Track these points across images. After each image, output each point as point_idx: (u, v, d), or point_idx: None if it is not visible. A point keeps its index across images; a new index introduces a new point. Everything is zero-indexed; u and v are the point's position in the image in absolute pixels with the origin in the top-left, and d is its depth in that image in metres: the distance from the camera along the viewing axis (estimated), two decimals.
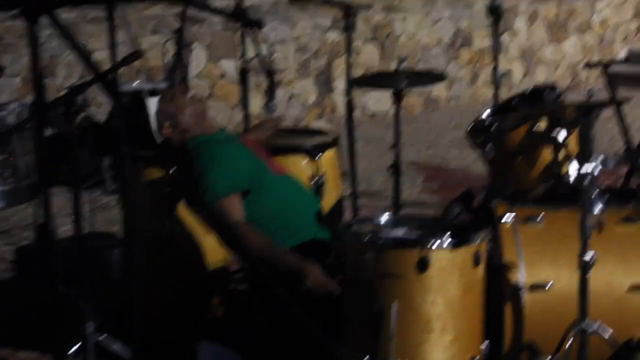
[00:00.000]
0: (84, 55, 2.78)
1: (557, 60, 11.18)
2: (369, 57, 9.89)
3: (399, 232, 3.46)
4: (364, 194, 6.80)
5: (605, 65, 5.55)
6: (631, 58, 10.83)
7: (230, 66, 8.77)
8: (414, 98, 10.20)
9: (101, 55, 8.02)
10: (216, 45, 8.89)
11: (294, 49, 9.47)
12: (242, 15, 3.64)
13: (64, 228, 6.06)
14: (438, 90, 10.34)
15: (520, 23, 10.85)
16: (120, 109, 2.69)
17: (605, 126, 8.52)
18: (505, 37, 10.68)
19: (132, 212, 2.90)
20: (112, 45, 2.74)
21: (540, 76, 11.06)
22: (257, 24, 3.38)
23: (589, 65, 5.61)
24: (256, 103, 9.39)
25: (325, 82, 9.67)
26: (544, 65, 11.10)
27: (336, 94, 9.61)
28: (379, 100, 9.82)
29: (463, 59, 10.50)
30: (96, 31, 8.15)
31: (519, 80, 10.87)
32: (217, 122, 4.23)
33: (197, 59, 8.85)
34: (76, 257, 3.26)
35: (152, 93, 3.88)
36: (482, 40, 10.49)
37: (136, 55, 3.04)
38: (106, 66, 8.07)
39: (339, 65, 9.70)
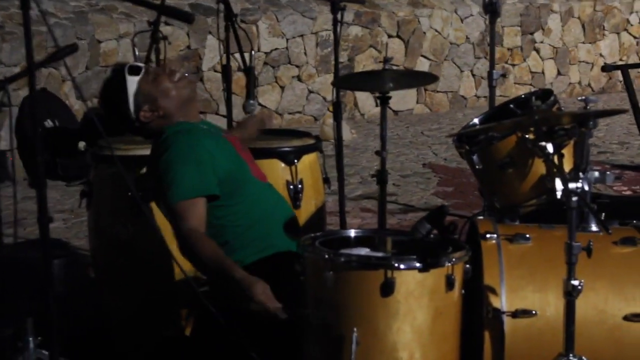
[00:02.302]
0: None
1: (592, 60, 10.78)
2: (394, 53, 9.58)
3: (363, 250, 3.13)
4: (370, 197, 6.53)
5: (624, 68, 5.21)
6: None
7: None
8: (440, 95, 9.89)
9: (110, 46, 7.85)
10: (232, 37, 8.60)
11: (314, 43, 9.18)
12: (168, 10, 3.30)
13: (55, 224, 5.85)
14: (465, 88, 10.02)
15: (554, 22, 10.46)
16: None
17: None
18: (537, 36, 10.34)
19: (46, 224, 2.60)
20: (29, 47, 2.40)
21: (574, 77, 10.68)
22: (186, 19, 3.06)
23: (604, 69, 5.25)
24: (272, 97, 9.17)
25: None
26: (578, 66, 10.71)
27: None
28: (402, 98, 9.54)
29: None
30: (105, 21, 7.94)
31: (551, 81, 10.50)
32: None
33: (212, 51, 8.59)
34: (14, 268, 2.98)
35: (133, 70, 3.47)
36: (513, 38, 10.15)
37: (71, 48, 2.76)
38: (115, 56, 7.90)
39: (362, 60, 9.41)
